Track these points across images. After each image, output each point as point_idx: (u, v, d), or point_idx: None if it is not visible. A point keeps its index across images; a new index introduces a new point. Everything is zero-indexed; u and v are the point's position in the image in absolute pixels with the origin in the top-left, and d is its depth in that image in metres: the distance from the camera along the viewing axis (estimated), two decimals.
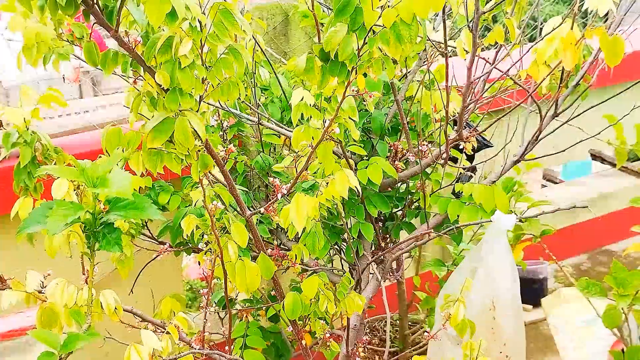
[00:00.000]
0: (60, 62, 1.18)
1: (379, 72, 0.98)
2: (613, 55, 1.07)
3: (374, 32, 0.97)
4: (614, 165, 2.14)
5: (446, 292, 1.31)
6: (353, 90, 1.05)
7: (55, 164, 1.25)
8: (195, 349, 1.15)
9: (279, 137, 1.58)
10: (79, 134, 1.93)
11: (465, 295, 1.25)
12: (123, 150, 1.07)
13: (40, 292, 1.06)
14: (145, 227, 1.61)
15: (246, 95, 1.56)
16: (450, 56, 1.26)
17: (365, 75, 1.05)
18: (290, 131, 1.44)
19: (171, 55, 0.87)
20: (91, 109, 2.28)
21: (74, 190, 1.11)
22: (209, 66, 0.96)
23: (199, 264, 1.40)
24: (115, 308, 1.09)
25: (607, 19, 1.47)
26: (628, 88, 1.42)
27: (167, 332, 1.03)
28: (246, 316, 1.63)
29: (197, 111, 0.97)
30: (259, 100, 1.58)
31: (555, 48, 1.06)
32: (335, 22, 0.92)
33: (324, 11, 1.66)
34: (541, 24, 1.57)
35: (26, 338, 2.10)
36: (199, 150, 1.01)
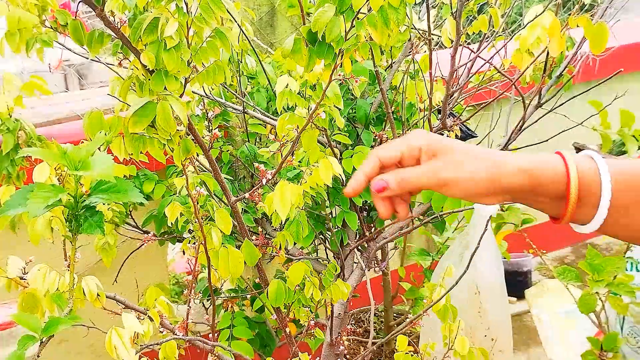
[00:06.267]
0: (45, 55, 1.17)
1: (366, 55, 0.99)
2: (597, 42, 1.08)
3: (358, 18, 0.98)
4: None
5: (435, 278, 1.32)
6: (340, 75, 1.05)
7: None
8: (178, 336, 1.15)
9: (265, 126, 1.58)
10: (63, 124, 1.92)
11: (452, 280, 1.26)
12: (106, 134, 1.06)
13: (21, 278, 1.06)
14: (130, 217, 1.60)
15: (231, 84, 1.56)
16: (435, 49, 1.27)
17: (352, 62, 1.06)
18: (275, 119, 1.44)
19: (157, 36, 0.87)
20: (76, 101, 2.26)
21: (57, 177, 1.10)
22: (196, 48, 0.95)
23: (184, 253, 1.40)
24: (98, 294, 1.08)
25: (591, 16, 1.48)
26: (609, 78, 1.44)
27: (149, 317, 1.03)
28: (231, 306, 1.63)
29: (183, 94, 0.97)
30: (245, 89, 1.58)
31: (538, 35, 1.07)
32: (324, 2, 0.93)
33: (310, 1, 1.66)
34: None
35: (9, 331, 2.08)
36: (181, 136, 1.01)
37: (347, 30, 0.97)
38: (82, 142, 1.12)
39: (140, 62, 0.93)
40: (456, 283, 1.25)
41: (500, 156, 0.65)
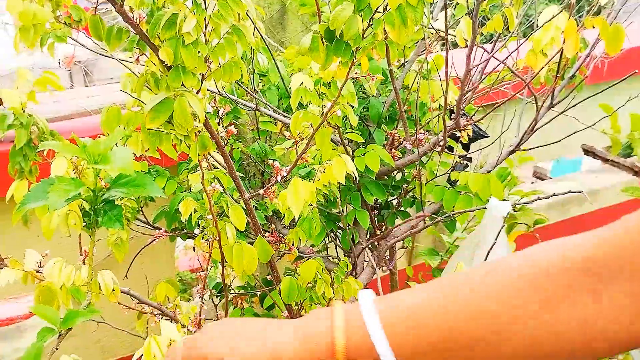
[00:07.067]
0: (55, 51, 1.17)
1: (383, 53, 1.00)
2: (613, 44, 1.08)
3: (373, 18, 0.98)
4: (605, 160, 2.15)
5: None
6: (356, 73, 1.06)
7: None
8: (192, 332, 1.16)
9: (276, 124, 1.58)
10: (73, 120, 1.93)
11: None
12: (124, 129, 1.07)
13: (38, 271, 1.06)
14: (141, 212, 1.61)
15: (242, 82, 1.57)
16: (449, 48, 1.27)
17: (369, 59, 1.06)
18: (287, 117, 1.44)
19: (175, 32, 0.88)
20: (83, 97, 2.27)
21: (73, 170, 1.11)
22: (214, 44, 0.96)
23: (194, 249, 1.41)
24: (113, 289, 1.09)
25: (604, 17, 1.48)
26: (624, 79, 1.44)
27: (178, 322, 1.03)
28: (241, 303, 1.63)
29: (199, 91, 0.97)
30: (257, 86, 1.58)
31: (552, 36, 1.08)
32: (341, 1, 0.93)
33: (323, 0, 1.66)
34: (536, 20, 1.58)
35: (17, 325, 2.09)
36: (198, 132, 1.01)
37: (364, 29, 0.98)
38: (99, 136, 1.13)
39: (158, 58, 0.93)
40: None
41: (275, 348, 0.60)
